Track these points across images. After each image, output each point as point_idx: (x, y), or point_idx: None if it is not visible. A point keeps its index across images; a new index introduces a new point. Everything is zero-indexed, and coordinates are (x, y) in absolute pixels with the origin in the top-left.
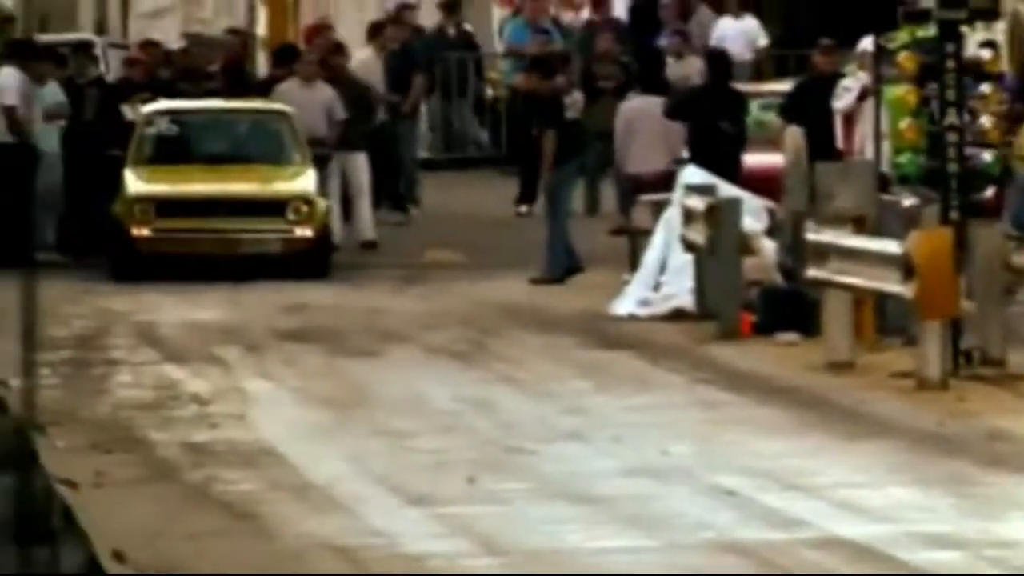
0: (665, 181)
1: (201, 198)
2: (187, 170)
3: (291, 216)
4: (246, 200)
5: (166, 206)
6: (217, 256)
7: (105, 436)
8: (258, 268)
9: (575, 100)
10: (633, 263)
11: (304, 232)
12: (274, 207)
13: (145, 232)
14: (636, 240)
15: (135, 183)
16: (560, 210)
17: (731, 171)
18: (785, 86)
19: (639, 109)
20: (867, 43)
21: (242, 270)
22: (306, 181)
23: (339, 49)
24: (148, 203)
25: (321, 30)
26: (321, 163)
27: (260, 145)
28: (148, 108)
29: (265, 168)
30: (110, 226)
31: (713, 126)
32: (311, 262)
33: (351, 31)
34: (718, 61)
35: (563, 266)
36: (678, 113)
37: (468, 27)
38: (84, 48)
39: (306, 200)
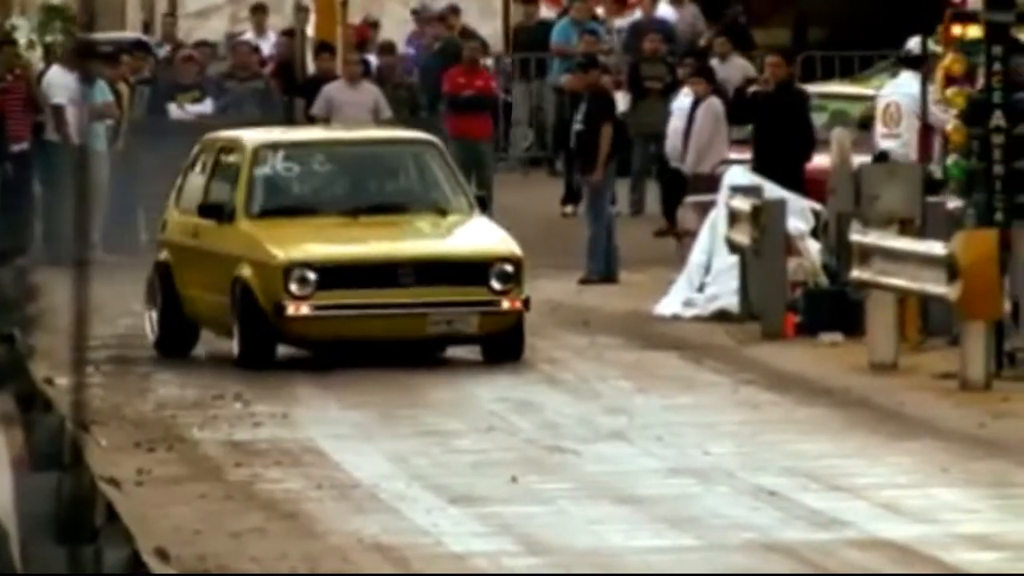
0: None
1: (379, 262)
2: (327, 225)
3: (496, 284)
4: (437, 264)
5: (330, 274)
6: (395, 340)
7: (148, 435)
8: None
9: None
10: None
11: (514, 304)
12: (474, 272)
13: (304, 310)
14: (684, 241)
15: (275, 244)
16: (605, 209)
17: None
18: (832, 88)
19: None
20: (914, 44)
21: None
22: (502, 235)
23: (388, 49)
24: (305, 270)
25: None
26: None
27: (412, 188)
28: (255, 141)
29: (429, 218)
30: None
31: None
32: (510, 342)
33: (398, 30)
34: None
35: (603, 267)
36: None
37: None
38: (139, 47)
39: (514, 261)
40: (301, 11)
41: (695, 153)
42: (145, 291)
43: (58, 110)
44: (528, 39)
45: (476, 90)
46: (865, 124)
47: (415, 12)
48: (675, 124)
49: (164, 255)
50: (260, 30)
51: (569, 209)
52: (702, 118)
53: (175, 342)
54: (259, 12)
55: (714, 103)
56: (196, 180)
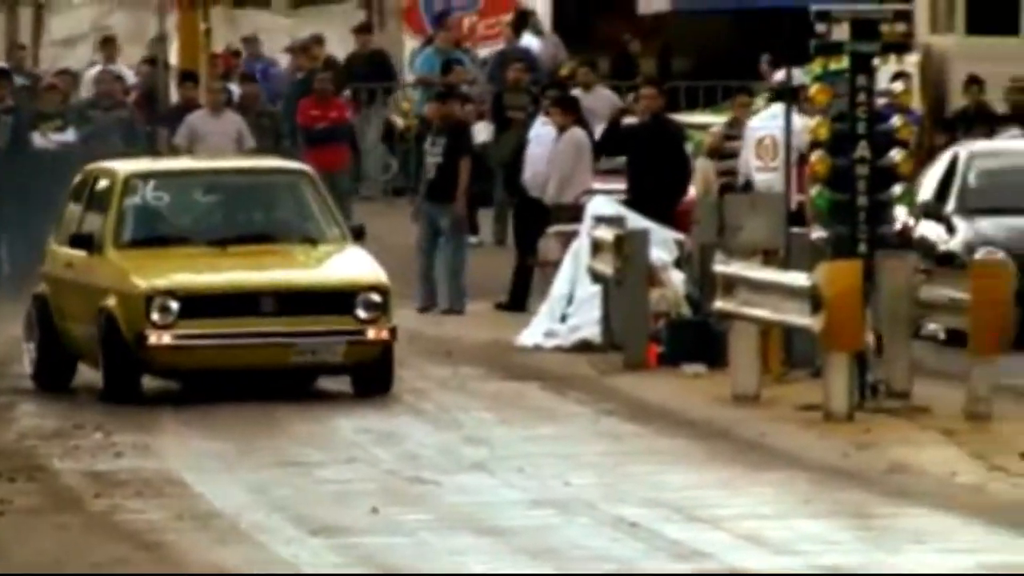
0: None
1: (242, 292)
2: (196, 255)
3: (361, 313)
4: (301, 293)
5: (193, 304)
6: (259, 369)
7: (9, 465)
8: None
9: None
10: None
11: (380, 334)
12: (339, 301)
13: (166, 339)
14: (547, 272)
15: (139, 274)
16: (465, 241)
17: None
18: (696, 118)
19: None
20: (782, 75)
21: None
22: (371, 264)
23: (248, 77)
24: (167, 299)
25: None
26: None
27: (284, 217)
28: (126, 171)
29: (300, 248)
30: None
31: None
32: (377, 374)
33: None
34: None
35: (458, 298)
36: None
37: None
38: (1, 75)
39: (381, 291)
40: (161, 40)
41: (557, 183)
42: (23, 324)
43: None
44: (363, 68)
45: (330, 121)
46: (711, 154)
47: (245, 40)
48: (533, 151)
49: (42, 288)
50: (111, 62)
51: None
52: (564, 148)
53: (53, 375)
54: (108, 45)
55: (577, 133)
56: (74, 211)
